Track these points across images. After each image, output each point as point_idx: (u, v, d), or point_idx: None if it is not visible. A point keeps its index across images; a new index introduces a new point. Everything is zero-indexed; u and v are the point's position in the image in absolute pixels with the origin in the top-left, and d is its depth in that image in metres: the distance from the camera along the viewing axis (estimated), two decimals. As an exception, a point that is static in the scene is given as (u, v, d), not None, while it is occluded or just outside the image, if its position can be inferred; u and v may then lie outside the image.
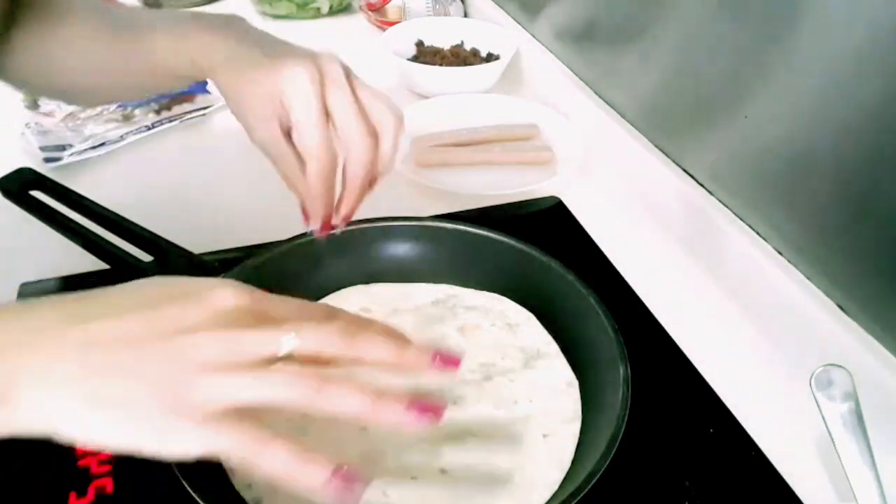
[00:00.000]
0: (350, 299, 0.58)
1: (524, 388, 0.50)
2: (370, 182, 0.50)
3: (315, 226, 0.51)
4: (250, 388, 0.32)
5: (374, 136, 0.48)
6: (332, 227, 0.52)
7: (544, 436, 0.47)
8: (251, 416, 0.32)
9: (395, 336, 0.37)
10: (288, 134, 0.48)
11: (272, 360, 0.33)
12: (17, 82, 0.62)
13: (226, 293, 0.34)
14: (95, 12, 0.57)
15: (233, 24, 0.52)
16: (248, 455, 0.32)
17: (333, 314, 0.38)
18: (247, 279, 0.50)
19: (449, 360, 0.37)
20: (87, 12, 0.57)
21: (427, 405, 0.34)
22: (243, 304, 0.34)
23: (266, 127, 0.48)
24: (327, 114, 0.47)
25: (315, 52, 0.49)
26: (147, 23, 0.55)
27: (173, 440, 0.31)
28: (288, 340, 0.33)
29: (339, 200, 0.51)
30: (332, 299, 0.58)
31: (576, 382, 0.51)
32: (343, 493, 0.32)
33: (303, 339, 0.34)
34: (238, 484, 0.44)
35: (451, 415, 0.48)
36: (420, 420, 0.34)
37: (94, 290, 0.34)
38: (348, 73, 0.48)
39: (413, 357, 0.36)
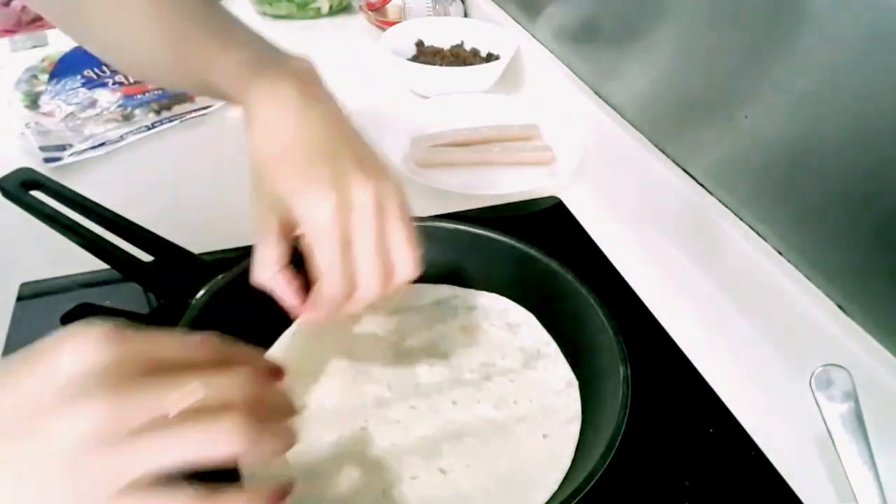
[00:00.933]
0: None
1: (524, 389, 0.50)
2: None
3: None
4: (147, 462, 0.27)
5: (389, 275, 0.44)
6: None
7: (544, 436, 0.47)
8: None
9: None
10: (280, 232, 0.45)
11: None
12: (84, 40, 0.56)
13: (75, 349, 0.28)
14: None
15: (300, 78, 0.46)
16: None
17: (222, 351, 0.33)
18: (247, 279, 0.50)
19: None
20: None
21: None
22: (105, 357, 0.28)
23: (266, 219, 0.45)
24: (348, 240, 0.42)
25: (356, 172, 0.43)
26: (216, 32, 0.49)
27: None
28: (195, 391, 0.29)
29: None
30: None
31: (576, 382, 0.51)
32: None
33: (211, 388, 0.29)
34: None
35: (450, 415, 0.48)
36: None
37: None
38: (382, 204, 0.43)
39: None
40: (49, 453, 0.26)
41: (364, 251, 0.42)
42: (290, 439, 0.32)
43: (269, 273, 0.45)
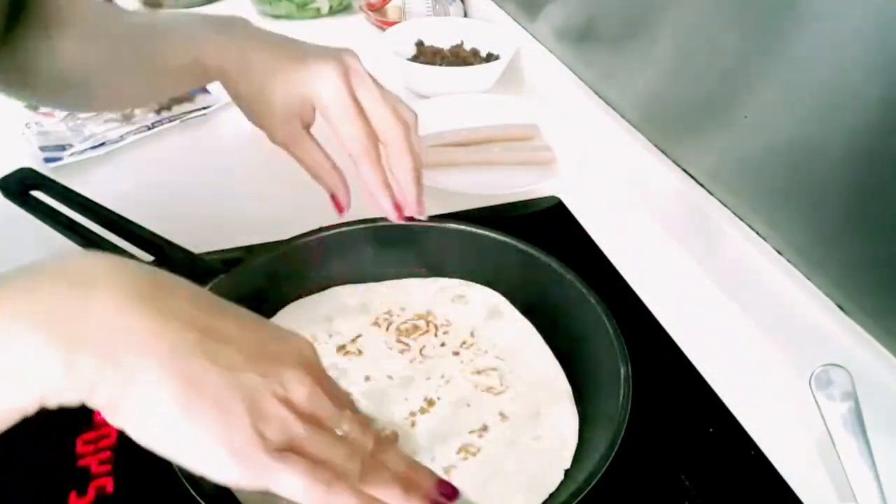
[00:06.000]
0: (346, 298, 0.58)
1: (523, 389, 0.50)
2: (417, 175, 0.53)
3: (342, 211, 0.54)
4: (313, 446, 0.33)
5: (399, 117, 0.51)
6: (409, 217, 0.54)
7: (543, 436, 0.47)
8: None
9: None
10: (307, 129, 0.52)
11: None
12: (18, 88, 0.61)
13: (309, 346, 0.37)
14: (103, 15, 0.58)
15: (238, 26, 0.53)
16: (314, 499, 0.32)
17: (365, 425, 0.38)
18: (247, 279, 0.50)
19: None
20: (94, 16, 0.58)
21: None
22: (318, 367, 0.37)
23: (290, 126, 0.51)
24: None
25: (335, 50, 0.51)
26: (154, 25, 0.56)
27: (245, 462, 0.31)
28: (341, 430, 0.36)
29: (402, 193, 0.53)
30: (330, 296, 0.58)
31: (576, 383, 0.51)
32: None
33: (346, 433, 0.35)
34: None
35: (447, 410, 0.48)
36: None
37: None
38: (366, 70, 0.51)
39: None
40: (263, 382, 0.33)
41: (371, 99, 0.50)
42: None
43: (292, 130, 0.52)
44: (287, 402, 0.33)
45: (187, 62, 0.52)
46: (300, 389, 0.34)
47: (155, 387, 0.30)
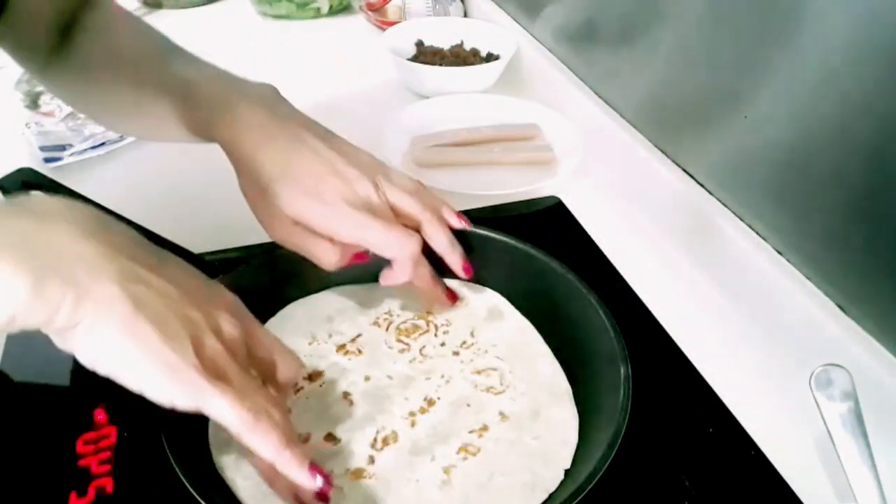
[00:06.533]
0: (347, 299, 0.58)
1: (523, 389, 0.50)
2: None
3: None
4: (241, 383, 0.37)
5: (414, 228, 0.50)
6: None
7: (543, 436, 0.47)
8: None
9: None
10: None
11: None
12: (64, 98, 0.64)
13: (237, 300, 0.42)
14: (147, 61, 0.56)
15: (264, 101, 0.50)
16: (240, 427, 0.35)
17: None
18: (247, 279, 0.50)
19: (321, 477, 0.38)
20: (142, 59, 0.56)
21: (324, 474, 0.38)
22: (250, 317, 0.42)
23: (290, 227, 0.50)
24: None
25: (340, 164, 0.48)
26: (183, 83, 0.53)
27: (182, 380, 0.34)
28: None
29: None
30: (330, 296, 0.58)
31: (576, 383, 0.51)
32: (313, 485, 0.37)
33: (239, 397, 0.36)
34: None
35: (448, 410, 0.48)
36: (312, 482, 0.37)
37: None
38: (376, 171, 0.50)
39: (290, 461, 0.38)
40: (199, 314, 0.37)
41: (379, 203, 0.49)
42: (268, 448, 0.37)
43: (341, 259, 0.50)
44: (222, 340, 0.37)
45: (202, 132, 0.53)
46: (234, 332, 0.38)
47: (106, 306, 0.33)
